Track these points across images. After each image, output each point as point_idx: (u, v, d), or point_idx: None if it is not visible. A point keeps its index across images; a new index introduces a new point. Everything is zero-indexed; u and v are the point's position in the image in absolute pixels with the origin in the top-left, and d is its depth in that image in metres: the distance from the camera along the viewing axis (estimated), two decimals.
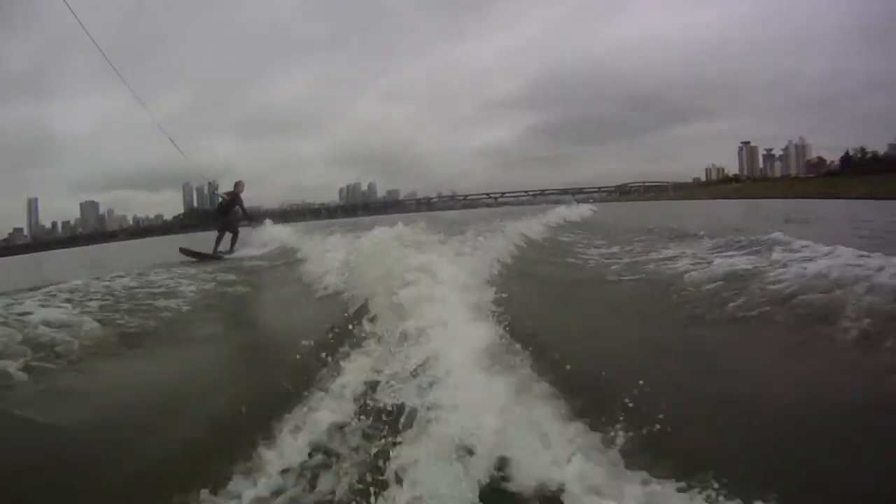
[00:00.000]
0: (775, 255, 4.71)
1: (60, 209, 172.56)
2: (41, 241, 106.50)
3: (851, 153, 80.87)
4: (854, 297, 3.17)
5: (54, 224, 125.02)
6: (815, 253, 4.57)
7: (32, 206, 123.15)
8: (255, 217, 14.35)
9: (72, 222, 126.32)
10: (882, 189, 27.63)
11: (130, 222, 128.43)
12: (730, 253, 5.68)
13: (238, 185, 12.19)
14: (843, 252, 4.28)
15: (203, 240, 12.59)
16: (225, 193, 12.10)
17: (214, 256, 10.96)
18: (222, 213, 11.91)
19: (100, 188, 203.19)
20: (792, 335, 3.08)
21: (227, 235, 11.80)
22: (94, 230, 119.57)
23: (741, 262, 4.81)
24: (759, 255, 5.05)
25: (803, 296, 3.49)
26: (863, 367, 2.62)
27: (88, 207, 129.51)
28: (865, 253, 4.15)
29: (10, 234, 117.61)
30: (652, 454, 1.81)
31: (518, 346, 2.81)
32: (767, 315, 3.44)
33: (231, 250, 11.48)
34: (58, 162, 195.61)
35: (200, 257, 10.83)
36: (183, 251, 11.13)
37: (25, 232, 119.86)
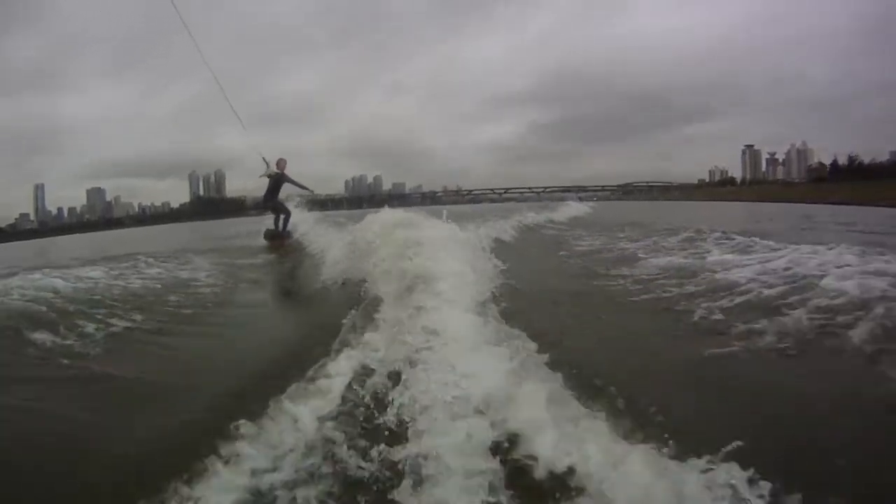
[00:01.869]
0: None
1: (67, 196, 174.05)
2: (47, 226, 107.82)
3: (841, 161, 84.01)
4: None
5: (60, 210, 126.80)
6: None
7: (39, 191, 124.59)
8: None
9: (78, 209, 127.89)
10: (855, 194, 29.75)
11: (137, 210, 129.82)
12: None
13: (280, 163, 11.71)
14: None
15: (209, 227, 12.25)
16: (268, 174, 11.71)
17: (285, 235, 11.55)
18: (272, 194, 11.79)
19: (107, 176, 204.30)
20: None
21: (280, 217, 11.72)
22: (100, 217, 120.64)
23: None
24: None
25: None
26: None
27: (95, 194, 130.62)
28: None
29: (16, 219, 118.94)
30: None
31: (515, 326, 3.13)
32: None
33: (283, 231, 11.65)
34: (65, 150, 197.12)
35: (279, 239, 11.40)
36: (268, 234, 11.69)
37: (32, 217, 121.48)
